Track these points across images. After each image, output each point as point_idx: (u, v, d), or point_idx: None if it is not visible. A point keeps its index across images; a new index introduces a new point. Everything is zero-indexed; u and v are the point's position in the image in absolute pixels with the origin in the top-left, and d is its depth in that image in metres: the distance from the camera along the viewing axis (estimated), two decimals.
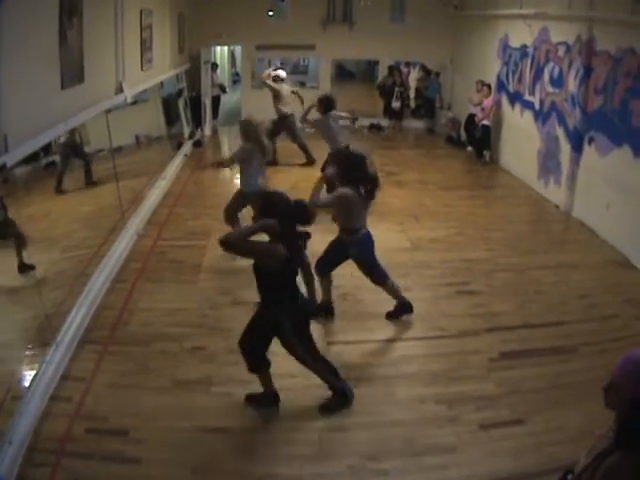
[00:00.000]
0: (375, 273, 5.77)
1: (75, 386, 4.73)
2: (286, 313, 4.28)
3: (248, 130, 7.07)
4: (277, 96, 11.39)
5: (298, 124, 10.95)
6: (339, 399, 4.57)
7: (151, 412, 4.36)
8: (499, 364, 5.21)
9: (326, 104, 9.00)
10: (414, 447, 4.20)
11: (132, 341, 5.45)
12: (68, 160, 7.43)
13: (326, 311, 5.90)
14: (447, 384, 4.92)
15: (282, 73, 11.80)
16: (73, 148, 7.43)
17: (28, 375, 4.64)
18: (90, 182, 7.82)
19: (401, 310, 5.91)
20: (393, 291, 5.87)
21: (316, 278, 5.00)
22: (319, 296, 5.50)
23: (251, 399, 4.58)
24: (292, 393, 4.70)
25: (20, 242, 5.75)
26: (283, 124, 11.48)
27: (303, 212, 4.23)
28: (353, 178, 5.34)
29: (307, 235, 4.24)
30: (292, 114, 11.39)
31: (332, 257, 5.75)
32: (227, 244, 4.00)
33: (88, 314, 5.75)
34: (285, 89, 11.54)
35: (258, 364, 4.43)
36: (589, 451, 2.27)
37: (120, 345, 5.40)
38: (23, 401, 4.28)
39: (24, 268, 5.70)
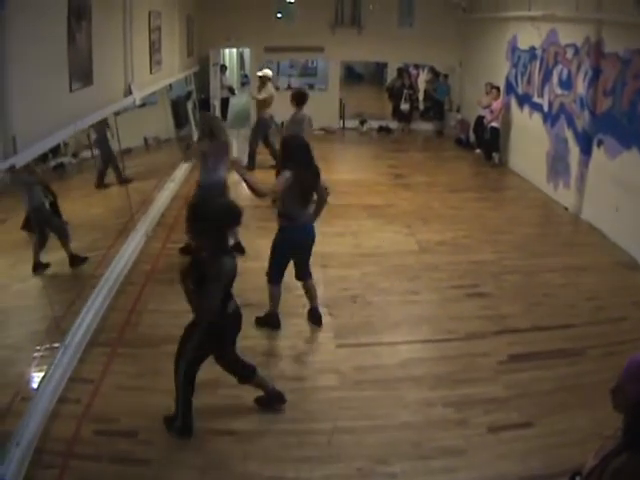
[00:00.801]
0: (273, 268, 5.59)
1: (84, 388, 4.74)
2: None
3: (217, 126, 7.07)
4: (269, 100, 11.27)
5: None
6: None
7: (160, 414, 4.36)
8: (507, 367, 5.19)
9: (303, 99, 9.08)
10: (423, 450, 4.19)
11: (141, 343, 5.46)
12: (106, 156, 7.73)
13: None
14: (455, 387, 4.90)
15: (269, 72, 11.66)
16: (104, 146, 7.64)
17: (37, 377, 4.64)
18: (101, 184, 7.89)
19: (271, 319, 5.73)
20: (274, 298, 5.69)
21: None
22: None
23: (260, 402, 4.57)
24: (300, 396, 4.71)
25: (41, 240, 5.85)
26: (269, 125, 11.39)
27: (237, 214, 4.02)
28: (294, 161, 5.31)
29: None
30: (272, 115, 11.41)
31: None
32: None
33: (97, 316, 5.77)
34: (273, 90, 11.43)
35: (246, 373, 4.43)
36: (597, 452, 2.28)
37: (129, 347, 5.41)
38: (32, 402, 4.29)
39: (39, 267, 5.73)
